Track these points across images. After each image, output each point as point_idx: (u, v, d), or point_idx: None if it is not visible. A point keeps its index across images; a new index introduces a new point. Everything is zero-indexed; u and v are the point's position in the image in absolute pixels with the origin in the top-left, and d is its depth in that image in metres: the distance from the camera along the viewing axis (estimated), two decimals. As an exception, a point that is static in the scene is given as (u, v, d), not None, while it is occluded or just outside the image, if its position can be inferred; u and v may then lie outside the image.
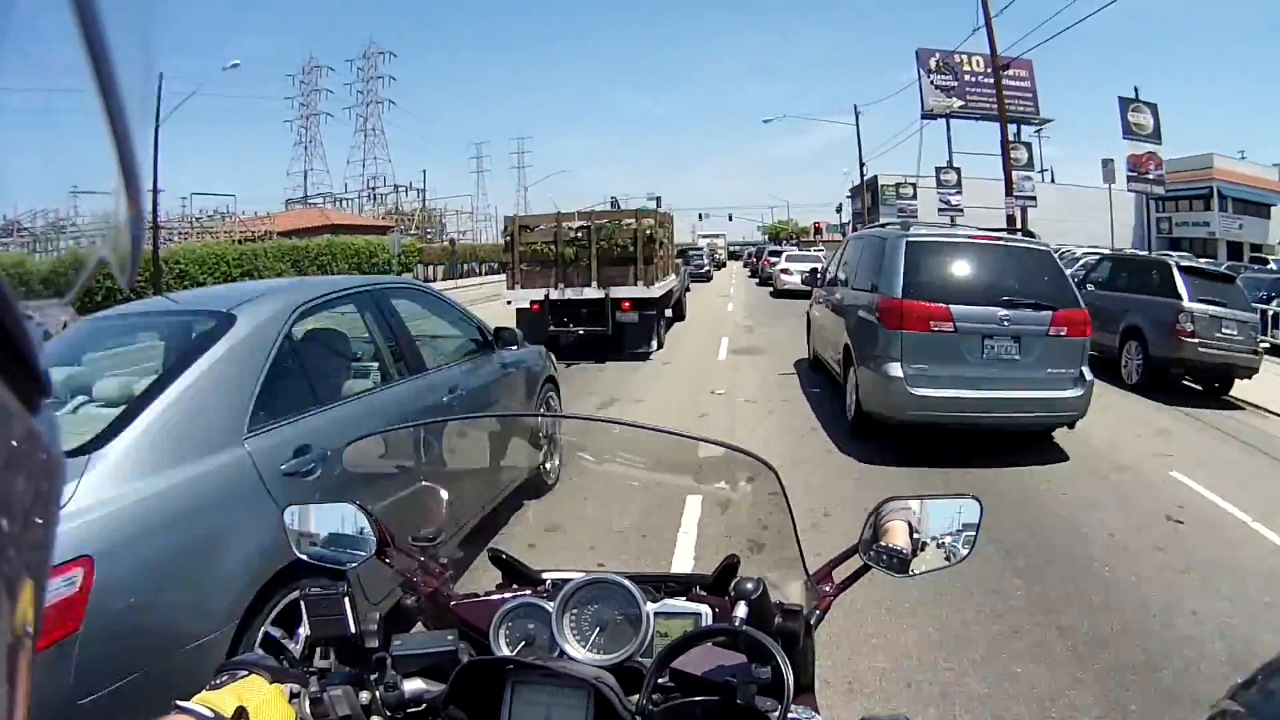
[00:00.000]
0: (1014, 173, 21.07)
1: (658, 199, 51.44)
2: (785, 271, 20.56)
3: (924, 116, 33.65)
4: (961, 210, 32.85)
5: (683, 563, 2.52)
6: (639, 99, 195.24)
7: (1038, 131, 34.72)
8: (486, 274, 39.40)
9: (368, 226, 35.81)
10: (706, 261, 24.55)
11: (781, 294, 19.29)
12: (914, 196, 37.55)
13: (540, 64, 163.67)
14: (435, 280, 31.12)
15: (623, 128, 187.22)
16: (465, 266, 36.89)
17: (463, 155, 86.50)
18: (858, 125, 34.04)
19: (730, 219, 73.97)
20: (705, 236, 60.32)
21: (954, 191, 31.78)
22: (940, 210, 32.34)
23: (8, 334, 0.29)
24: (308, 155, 61.03)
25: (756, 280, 26.23)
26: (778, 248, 29.37)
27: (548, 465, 2.75)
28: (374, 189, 57.09)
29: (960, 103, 32.41)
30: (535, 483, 2.74)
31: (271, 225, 32.60)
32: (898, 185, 39.14)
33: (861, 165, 34.72)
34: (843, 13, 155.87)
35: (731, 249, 74.47)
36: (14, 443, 0.29)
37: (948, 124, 34.20)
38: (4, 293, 0.28)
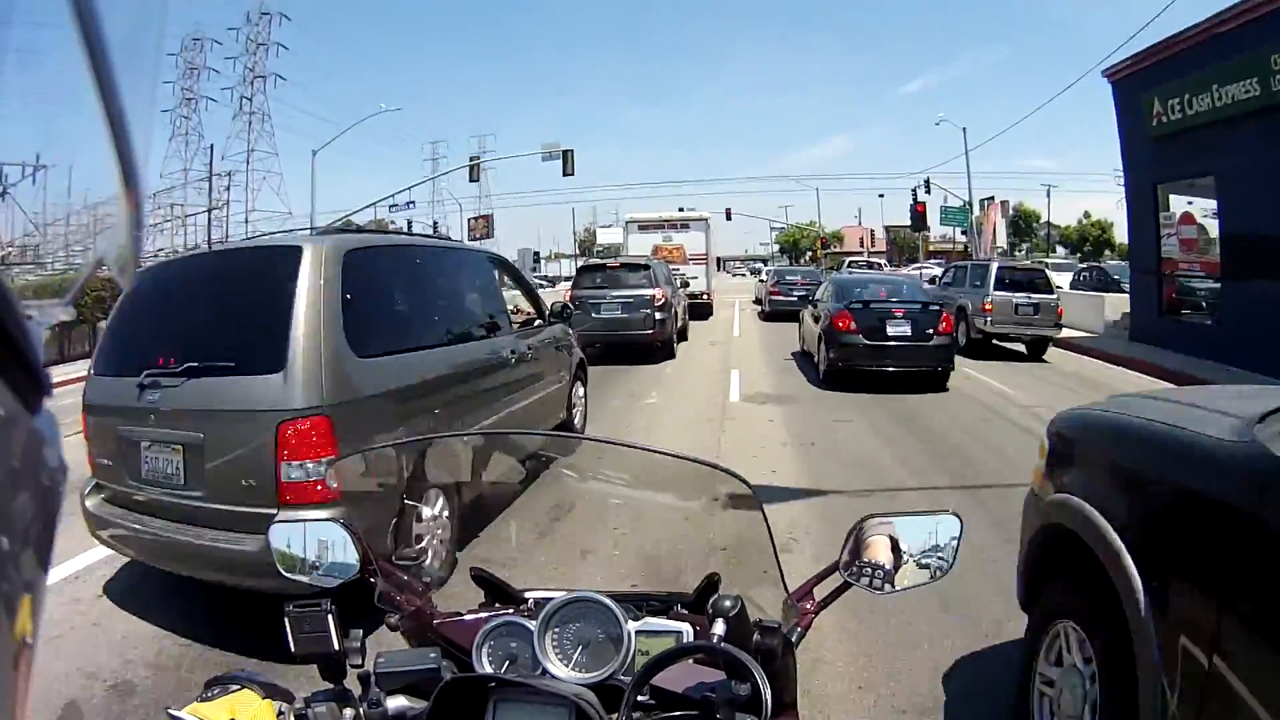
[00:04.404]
0: None
1: (565, 154, 28.06)
2: None
3: None
4: None
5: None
6: (640, 111, 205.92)
7: None
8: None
9: None
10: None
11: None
12: None
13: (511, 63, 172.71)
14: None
15: (617, 141, 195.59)
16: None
17: (415, 157, 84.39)
18: None
19: (729, 217, 49.49)
20: (647, 227, 23.52)
21: None
22: None
23: (8, 334, 0.30)
24: (187, 150, 51.41)
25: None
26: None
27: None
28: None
29: None
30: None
31: None
32: None
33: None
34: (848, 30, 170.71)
35: (734, 267, 46.52)
36: (15, 461, 0.30)
37: None
38: (4, 293, 0.30)
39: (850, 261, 29.43)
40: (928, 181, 41.74)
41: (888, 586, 1.11)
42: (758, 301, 27.04)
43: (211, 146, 59.55)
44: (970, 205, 34.50)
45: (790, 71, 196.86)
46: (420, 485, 1.46)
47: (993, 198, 33.65)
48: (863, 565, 1.11)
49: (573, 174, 29.71)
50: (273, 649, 1.15)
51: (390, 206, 35.00)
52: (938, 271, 32.03)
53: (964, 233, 37.69)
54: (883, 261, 31.50)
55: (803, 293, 20.26)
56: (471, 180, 30.86)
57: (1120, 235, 63.76)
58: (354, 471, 1.57)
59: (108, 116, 0.30)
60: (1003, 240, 37.20)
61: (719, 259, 24.21)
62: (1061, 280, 25.20)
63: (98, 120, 0.30)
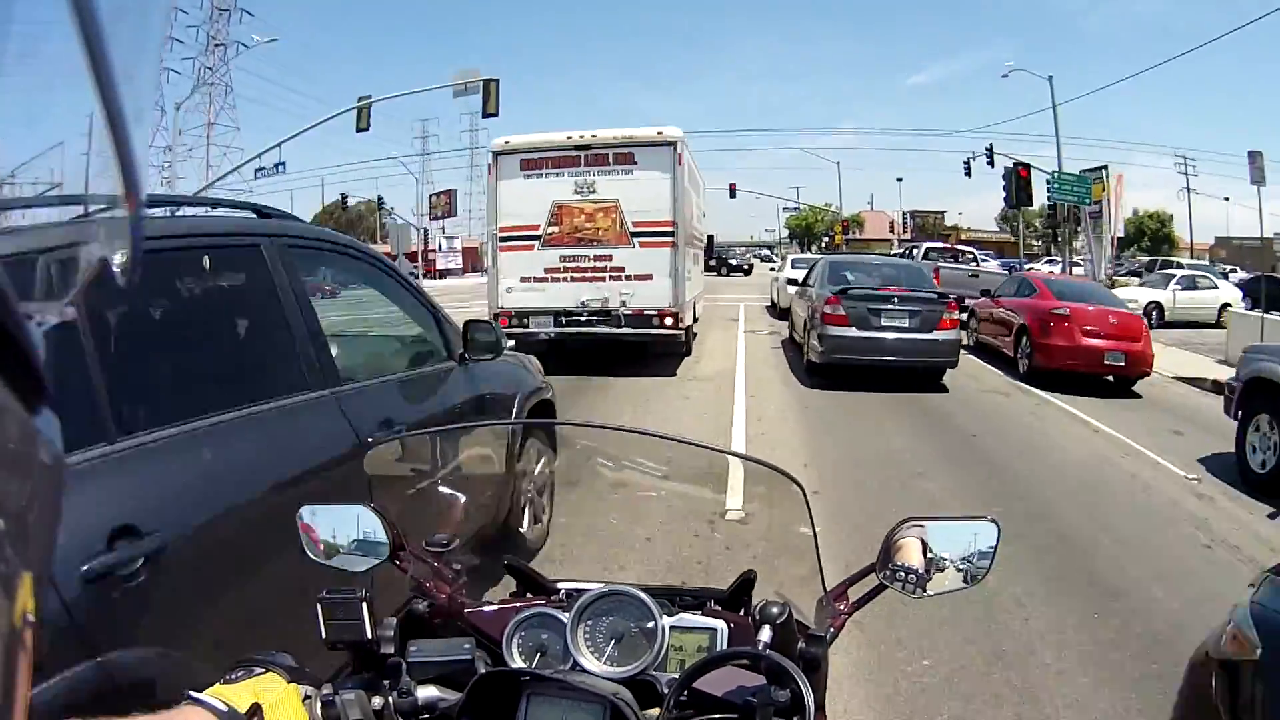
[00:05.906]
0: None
1: (486, 86, 20.09)
2: None
3: None
4: None
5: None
6: (647, 99, 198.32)
7: None
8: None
9: None
10: None
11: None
12: None
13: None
14: None
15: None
16: None
17: (407, 136, 71.09)
18: None
19: (733, 194, 43.52)
20: (539, 165, 9.60)
21: None
22: None
23: (8, 334, 0.30)
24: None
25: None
26: None
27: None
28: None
29: None
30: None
31: None
32: None
33: None
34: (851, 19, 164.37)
35: (729, 256, 41.69)
36: (10, 448, 0.31)
37: None
38: (4, 293, 0.30)
39: (926, 250, 19.88)
40: (990, 149, 30.97)
41: (920, 591, 1.10)
42: (779, 313, 15.83)
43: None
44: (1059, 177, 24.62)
45: (797, 61, 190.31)
46: (456, 471, 1.44)
47: (1105, 166, 23.70)
48: (897, 568, 1.10)
49: (496, 114, 20.33)
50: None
51: (256, 170, 25.44)
52: (994, 266, 21.83)
53: (1048, 213, 28.03)
54: (979, 255, 21.74)
55: (903, 321, 8.95)
56: (359, 130, 21.41)
57: (1181, 228, 54.89)
58: (388, 457, 1.53)
59: (108, 116, 0.29)
60: (1119, 228, 27.04)
61: (711, 241, 9.86)
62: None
63: (97, 119, 0.29)
